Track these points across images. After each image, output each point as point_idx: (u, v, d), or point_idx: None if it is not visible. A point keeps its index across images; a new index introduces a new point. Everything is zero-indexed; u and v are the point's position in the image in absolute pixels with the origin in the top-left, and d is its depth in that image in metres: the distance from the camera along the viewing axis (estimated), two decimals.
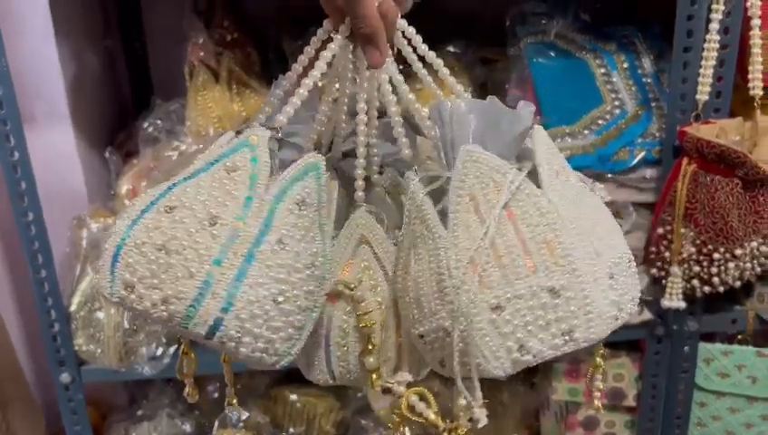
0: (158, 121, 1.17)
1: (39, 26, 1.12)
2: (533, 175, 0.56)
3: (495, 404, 1.34)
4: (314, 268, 0.54)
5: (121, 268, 0.51)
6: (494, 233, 0.52)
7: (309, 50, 0.60)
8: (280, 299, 0.51)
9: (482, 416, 0.55)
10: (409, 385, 0.59)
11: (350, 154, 0.64)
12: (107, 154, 1.21)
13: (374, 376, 0.58)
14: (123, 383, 1.36)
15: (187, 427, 1.29)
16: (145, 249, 0.51)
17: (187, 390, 0.65)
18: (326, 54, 0.58)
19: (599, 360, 0.62)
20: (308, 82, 0.58)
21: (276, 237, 0.52)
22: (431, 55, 0.63)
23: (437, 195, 0.56)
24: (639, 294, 0.58)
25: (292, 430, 1.30)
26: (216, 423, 1.28)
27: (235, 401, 0.71)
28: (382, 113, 0.64)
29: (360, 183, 0.62)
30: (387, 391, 0.58)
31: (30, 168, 1.00)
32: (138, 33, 1.37)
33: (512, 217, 0.53)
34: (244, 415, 1.28)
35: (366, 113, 0.61)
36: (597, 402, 0.64)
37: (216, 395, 1.35)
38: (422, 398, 0.58)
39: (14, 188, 1.00)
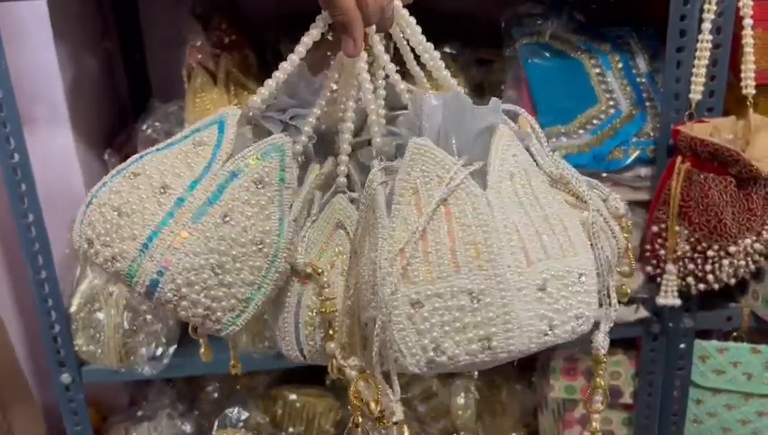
0: (157, 123, 1.17)
1: (38, 29, 1.13)
2: (485, 174, 0.55)
3: (494, 403, 1.35)
4: (263, 246, 0.55)
5: (86, 224, 0.56)
6: (427, 228, 0.52)
7: (306, 41, 0.61)
8: (218, 271, 0.54)
9: (398, 410, 0.55)
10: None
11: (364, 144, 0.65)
12: (106, 156, 1.21)
13: (333, 361, 0.59)
14: (123, 384, 1.36)
15: (187, 427, 1.30)
16: (104, 210, 0.55)
17: (201, 350, 0.69)
18: (306, 41, 0.60)
19: (599, 380, 0.62)
20: (286, 66, 0.60)
21: (222, 211, 0.54)
22: (430, 50, 0.64)
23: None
24: (590, 314, 0.54)
25: (291, 429, 1.31)
26: (216, 423, 1.29)
27: None
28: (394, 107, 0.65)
29: (342, 168, 0.63)
30: (342, 374, 0.59)
31: (30, 170, 1.01)
32: (136, 36, 1.38)
33: (448, 215, 0.53)
34: (244, 415, 1.29)
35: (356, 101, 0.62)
36: (595, 425, 0.63)
37: (216, 395, 1.36)
38: (368, 383, 0.57)
39: (14, 190, 1.01)
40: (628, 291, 0.67)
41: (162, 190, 0.55)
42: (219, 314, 0.55)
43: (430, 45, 0.64)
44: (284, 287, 0.60)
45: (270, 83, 0.60)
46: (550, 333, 0.52)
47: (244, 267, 0.55)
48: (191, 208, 0.54)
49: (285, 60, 0.62)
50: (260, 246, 0.55)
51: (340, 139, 0.63)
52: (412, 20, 0.62)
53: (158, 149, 0.58)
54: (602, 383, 0.62)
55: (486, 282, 0.51)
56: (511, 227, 0.52)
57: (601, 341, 0.61)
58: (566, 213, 0.57)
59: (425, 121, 0.57)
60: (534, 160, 0.61)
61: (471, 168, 0.54)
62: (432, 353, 0.51)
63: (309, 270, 0.59)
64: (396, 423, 0.55)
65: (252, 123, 0.62)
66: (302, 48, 0.60)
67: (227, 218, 0.54)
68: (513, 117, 0.64)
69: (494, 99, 0.58)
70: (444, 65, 0.66)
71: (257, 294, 0.56)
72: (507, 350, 0.51)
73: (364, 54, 0.59)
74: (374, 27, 0.59)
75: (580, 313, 0.54)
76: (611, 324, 0.62)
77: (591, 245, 0.59)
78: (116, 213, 0.55)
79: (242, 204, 0.55)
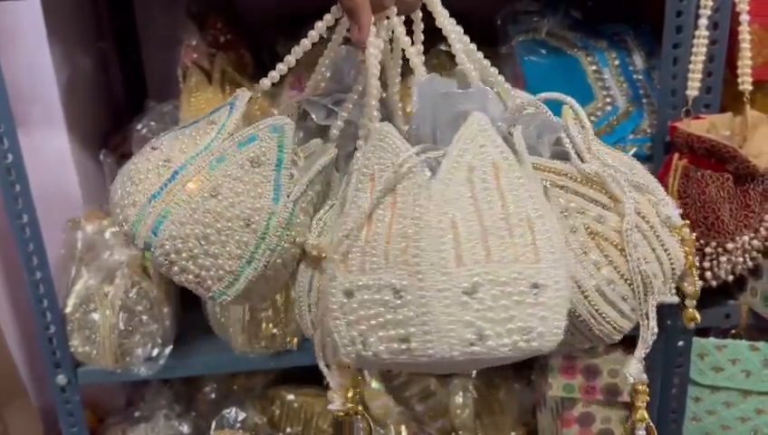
0: (152, 123, 1.17)
1: (32, 29, 1.12)
2: None
3: (492, 402, 1.34)
4: (251, 222, 0.57)
5: (113, 190, 0.60)
6: (373, 216, 0.51)
7: (320, 25, 0.62)
8: (203, 242, 0.56)
9: (337, 401, 0.56)
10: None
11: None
12: (101, 156, 1.21)
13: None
14: (120, 385, 1.36)
15: (185, 428, 1.29)
16: (120, 177, 0.60)
17: None
18: (320, 25, 0.61)
19: (641, 413, 0.57)
20: (297, 50, 0.61)
21: (211, 186, 0.57)
22: (459, 34, 0.62)
23: None
24: (546, 330, 0.49)
25: (289, 429, 1.30)
26: (213, 424, 1.28)
27: None
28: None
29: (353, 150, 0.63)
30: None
31: (24, 170, 1.01)
32: (132, 35, 1.38)
33: (393, 205, 0.51)
34: (241, 415, 1.29)
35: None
36: None
37: (214, 396, 1.35)
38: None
39: (8, 191, 1.01)
40: (696, 316, 0.61)
41: (164, 163, 0.58)
42: (209, 282, 0.58)
43: (459, 29, 0.63)
44: (301, 269, 0.61)
45: (281, 67, 0.62)
46: (478, 343, 0.48)
47: (230, 241, 0.57)
48: (182, 181, 0.57)
49: (282, 59, 0.63)
50: (247, 222, 0.57)
51: (361, 122, 0.63)
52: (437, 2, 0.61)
53: (180, 128, 0.62)
54: (645, 416, 0.57)
55: (409, 279, 0.48)
56: (447, 223, 0.49)
57: (633, 369, 0.57)
58: (542, 217, 0.52)
59: (415, 105, 0.56)
60: (555, 154, 0.58)
61: (426, 156, 0.53)
62: (360, 347, 0.50)
63: (315, 253, 0.59)
64: (338, 417, 0.57)
65: (300, 110, 0.65)
66: (315, 32, 0.61)
67: (215, 193, 0.56)
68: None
69: (476, 84, 0.57)
70: (475, 48, 0.64)
71: (247, 268, 0.57)
72: (427, 353, 0.48)
73: (377, 41, 0.58)
74: (395, 9, 0.59)
75: (527, 326, 0.48)
76: (647, 350, 0.57)
77: (625, 253, 0.55)
78: (128, 181, 0.58)
79: (233, 180, 0.57)
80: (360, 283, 0.50)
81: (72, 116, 1.19)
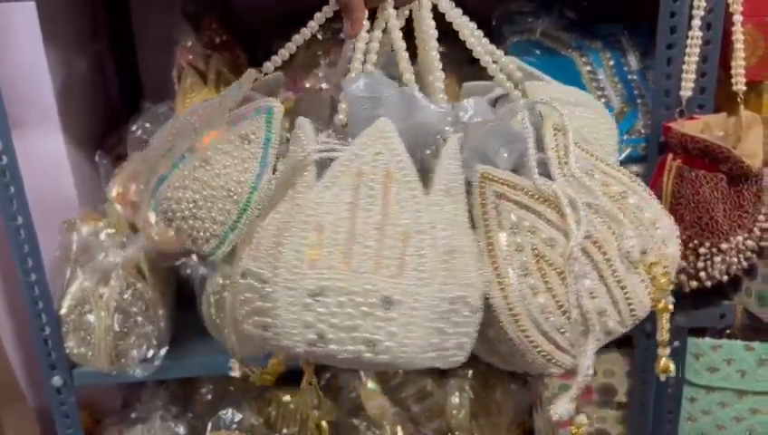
0: (147, 124, 1.17)
1: (27, 30, 1.12)
2: None
3: (488, 402, 1.34)
4: (234, 194, 0.60)
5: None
6: (277, 205, 0.55)
7: (319, 16, 0.64)
8: (191, 205, 0.60)
9: (236, 368, 0.65)
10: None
11: None
12: (97, 158, 1.21)
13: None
14: (116, 386, 1.36)
15: (181, 429, 1.29)
16: (144, 157, 0.68)
17: None
18: (317, 18, 0.63)
19: None
20: (297, 38, 0.64)
21: (202, 156, 0.61)
22: (469, 26, 0.65)
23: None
24: (393, 345, 0.49)
25: (285, 431, 1.30)
26: (210, 425, 1.28)
27: None
28: None
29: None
30: None
31: (18, 171, 1.01)
32: (127, 37, 1.38)
33: (289, 199, 0.55)
34: (238, 417, 1.29)
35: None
36: None
37: (210, 397, 1.35)
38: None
39: (3, 193, 1.01)
40: (670, 367, 0.58)
41: (176, 135, 0.64)
42: (200, 242, 0.62)
43: (466, 21, 0.65)
44: None
45: (283, 52, 0.65)
46: (320, 343, 0.49)
47: (213, 207, 0.60)
48: (179, 151, 0.63)
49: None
50: (230, 193, 0.60)
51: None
52: None
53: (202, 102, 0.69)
54: None
55: (269, 271, 0.51)
56: (312, 223, 0.51)
57: (560, 406, 0.55)
58: (423, 232, 0.50)
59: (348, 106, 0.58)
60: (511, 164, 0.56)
61: (328, 155, 0.54)
62: (241, 326, 0.54)
63: None
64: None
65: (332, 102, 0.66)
66: (313, 25, 0.63)
67: (205, 163, 0.60)
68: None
69: (411, 87, 0.57)
70: (488, 42, 0.66)
71: (231, 233, 0.61)
72: (280, 344, 0.51)
73: (364, 35, 0.60)
74: (391, 2, 0.60)
75: (372, 338, 0.49)
76: (579, 390, 0.54)
77: (564, 277, 0.52)
78: (151, 149, 0.66)
79: (223, 154, 0.61)
80: (245, 267, 0.54)
81: (67, 117, 1.19)
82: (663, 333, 0.56)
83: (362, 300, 0.49)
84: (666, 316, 0.55)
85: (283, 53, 0.65)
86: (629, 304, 0.54)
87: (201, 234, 0.61)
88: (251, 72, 0.66)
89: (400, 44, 0.60)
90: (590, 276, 0.53)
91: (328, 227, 0.51)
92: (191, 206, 0.61)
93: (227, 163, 0.60)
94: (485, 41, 0.66)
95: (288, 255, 0.51)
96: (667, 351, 0.57)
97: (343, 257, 0.50)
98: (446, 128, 0.56)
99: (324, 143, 0.55)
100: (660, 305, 0.55)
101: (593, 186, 0.55)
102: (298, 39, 0.65)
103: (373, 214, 0.51)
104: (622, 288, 0.54)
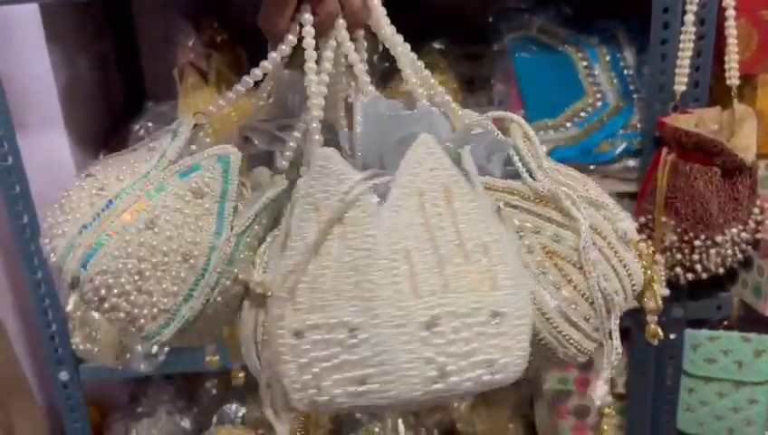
0: (149, 124, 1.18)
1: (31, 32, 1.14)
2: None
3: (489, 395, 1.35)
4: (191, 257, 0.53)
5: (44, 221, 0.55)
6: (321, 249, 0.47)
7: (289, 38, 0.58)
8: (137, 277, 0.52)
9: None
10: None
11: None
12: (100, 157, 1.22)
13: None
14: (123, 382, 1.38)
15: (186, 423, 1.31)
16: (55, 206, 0.55)
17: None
18: (291, 39, 0.57)
19: (605, 427, 0.57)
20: (266, 64, 0.57)
21: (148, 217, 0.52)
22: (403, 45, 0.58)
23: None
24: (509, 361, 0.46)
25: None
26: (215, 419, 1.30)
27: None
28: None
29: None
30: None
31: (24, 171, 1.02)
32: (130, 38, 1.39)
33: (342, 236, 0.47)
34: (242, 411, 1.31)
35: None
36: None
37: (215, 392, 1.37)
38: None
39: (8, 192, 1.02)
40: (659, 332, 0.60)
41: (98, 192, 0.54)
42: (142, 321, 0.53)
43: (407, 47, 0.59)
44: (245, 307, 0.56)
45: (238, 88, 0.58)
46: (441, 380, 0.45)
47: (166, 277, 0.52)
48: (116, 211, 0.53)
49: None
50: (186, 257, 0.53)
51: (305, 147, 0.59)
52: (382, 11, 0.57)
53: (119, 154, 0.58)
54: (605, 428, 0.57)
55: (363, 315, 0.45)
56: (400, 253, 0.46)
57: (599, 391, 0.55)
58: (497, 241, 0.49)
59: (360, 126, 0.52)
60: (506, 173, 0.55)
61: (373, 182, 0.49)
62: (313, 392, 0.46)
63: (259, 290, 0.53)
64: None
65: (242, 136, 0.60)
66: (276, 55, 0.56)
67: (152, 225, 0.52)
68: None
69: (421, 103, 0.54)
70: (422, 66, 0.60)
71: (184, 306, 0.53)
72: (386, 395, 0.44)
73: (311, 53, 0.55)
74: (343, 23, 0.56)
75: (490, 359, 0.46)
76: (611, 372, 0.55)
77: (584, 271, 0.52)
78: (57, 208, 0.54)
79: (173, 212, 0.53)
80: (310, 322, 0.46)
81: (71, 118, 1.21)
82: (657, 302, 0.58)
83: (473, 320, 0.46)
84: (656, 286, 0.58)
85: (248, 80, 0.58)
86: (632, 281, 0.56)
87: (145, 311, 0.52)
88: (188, 119, 0.58)
89: (354, 56, 0.57)
90: (600, 261, 0.54)
91: (414, 252, 0.46)
92: (136, 277, 0.52)
93: (179, 222, 0.53)
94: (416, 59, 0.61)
95: (384, 291, 0.45)
96: (656, 319, 0.60)
97: (441, 280, 0.46)
98: (447, 144, 0.54)
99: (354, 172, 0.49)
100: (649, 276, 0.57)
101: (569, 181, 0.57)
102: (264, 67, 0.57)
103: (448, 232, 0.48)
104: (624, 267, 0.55)
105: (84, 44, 1.31)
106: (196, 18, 1.25)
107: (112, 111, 1.40)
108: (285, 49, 0.55)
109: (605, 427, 0.57)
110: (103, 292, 0.52)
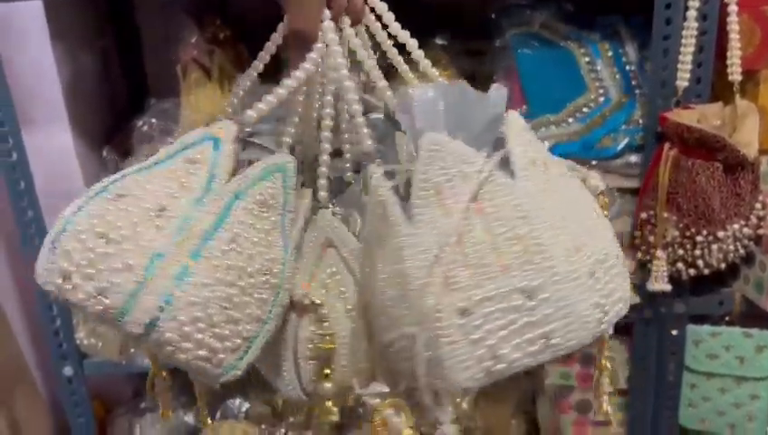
0: (153, 120, 1.19)
1: (35, 29, 1.14)
2: (506, 164, 0.51)
3: (492, 390, 1.36)
4: (270, 276, 0.50)
5: (59, 255, 0.47)
6: (462, 229, 0.48)
7: (269, 45, 0.59)
8: (226, 305, 0.47)
9: (450, 433, 0.52)
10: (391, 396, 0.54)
11: (335, 155, 0.61)
12: (104, 153, 1.23)
13: (329, 403, 0.54)
14: (127, 377, 1.38)
15: (190, 418, 1.32)
16: (84, 236, 0.47)
17: (161, 411, 0.62)
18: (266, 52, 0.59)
19: (604, 362, 0.59)
20: (289, 83, 0.55)
21: (229, 236, 0.48)
22: (408, 39, 0.61)
23: (405, 190, 0.53)
24: (629, 296, 0.52)
25: (291, 419, 1.32)
26: (218, 414, 1.31)
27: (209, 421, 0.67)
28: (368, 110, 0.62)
29: (322, 182, 0.58)
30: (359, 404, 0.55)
31: (28, 167, 1.03)
32: (133, 34, 1.39)
33: (481, 211, 0.48)
34: (245, 406, 1.31)
35: (334, 107, 0.59)
36: (605, 406, 0.61)
37: (218, 386, 1.37)
38: (397, 410, 0.52)
39: (13, 188, 1.03)
40: (609, 412, 0.62)
41: (158, 213, 0.48)
42: (222, 355, 0.48)
43: (406, 33, 0.61)
44: (286, 322, 0.55)
45: (270, 99, 0.55)
46: (605, 320, 0.49)
47: (251, 301, 0.49)
48: (196, 232, 0.47)
49: (280, 57, 0.60)
50: (267, 277, 0.49)
51: (321, 149, 0.59)
52: (383, 6, 0.59)
53: (140, 169, 0.52)
54: (607, 365, 0.59)
55: (540, 277, 0.47)
56: (549, 214, 0.49)
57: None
58: (583, 195, 0.55)
59: (422, 117, 0.52)
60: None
61: (494, 158, 0.51)
62: (489, 363, 0.46)
63: (306, 302, 0.53)
64: None
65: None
66: (301, 73, 0.56)
67: (235, 245, 0.48)
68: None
69: (496, 85, 0.55)
70: (423, 55, 0.63)
71: (262, 331, 0.49)
72: (567, 346, 0.47)
73: (312, 59, 0.55)
74: (348, 21, 0.57)
75: (623, 295, 0.51)
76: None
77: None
78: (102, 239, 0.47)
79: (248, 228, 0.49)
80: (478, 296, 0.46)
81: (74, 114, 1.21)
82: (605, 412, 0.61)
83: (611, 263, 0.51)
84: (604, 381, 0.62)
85: (271, 99, 0.56)
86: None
87: (227, 343, 0.47)
88: (226, 126, 0.55)
89: (363, 53, 0.59)
90: None
91: (554, 212, 0.50)
92: (225, 305, 0.47)
93: (255, 239, 0.49)
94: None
95: (555, 249, 0.47)
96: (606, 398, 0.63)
97: (585, 233, 0.50)
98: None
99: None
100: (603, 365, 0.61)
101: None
102: (290, 84, 0.56)
103: (562, 193, 0.52)
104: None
105: (87, 41, 1.31)
106: (199, 15, 1.26)
107: (115, 108, 1.40)
108: (316, 56, 0.56)
109: (605, 362, 0.60)
110: (187, 328, 0.46)
